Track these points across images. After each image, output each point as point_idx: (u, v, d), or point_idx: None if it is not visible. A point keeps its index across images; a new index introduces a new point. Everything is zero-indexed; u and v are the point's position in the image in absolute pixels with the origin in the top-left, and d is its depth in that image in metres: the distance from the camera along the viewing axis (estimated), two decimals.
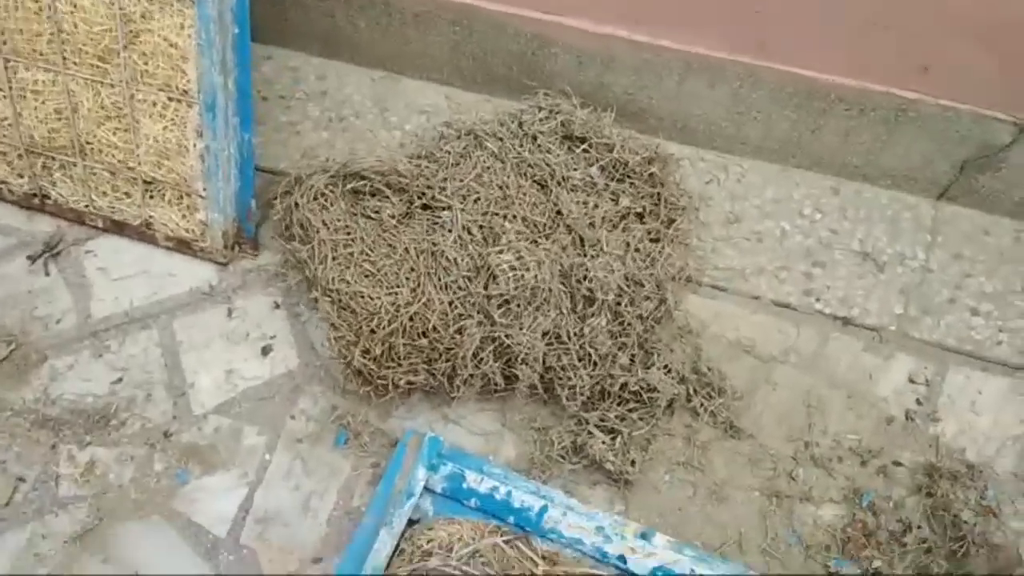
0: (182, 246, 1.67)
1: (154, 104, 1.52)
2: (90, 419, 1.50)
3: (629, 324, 1.42)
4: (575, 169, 1.55)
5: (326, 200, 1.45)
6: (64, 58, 1.53)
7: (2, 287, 1.65)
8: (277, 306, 1.64)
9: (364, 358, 1.35)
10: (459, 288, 1.40)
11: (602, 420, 1.41)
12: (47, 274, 1.66)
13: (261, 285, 1.67)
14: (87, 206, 1.69)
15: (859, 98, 1.67)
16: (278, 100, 1.89)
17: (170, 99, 1.51)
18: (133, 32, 1.46)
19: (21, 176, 1.70)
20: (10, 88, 1.56)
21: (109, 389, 1.53)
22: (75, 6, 1.46)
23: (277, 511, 1.41)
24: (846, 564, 1.38)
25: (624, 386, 1.40)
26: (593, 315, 1.40)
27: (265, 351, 1.58)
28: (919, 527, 1.41)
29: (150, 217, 1.65)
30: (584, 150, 1.58)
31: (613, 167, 1.59)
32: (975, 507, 1.41)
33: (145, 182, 1.62)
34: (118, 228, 1.70)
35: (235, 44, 1.43)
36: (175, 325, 1.62)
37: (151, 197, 1.65)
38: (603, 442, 1.39)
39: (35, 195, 1.71)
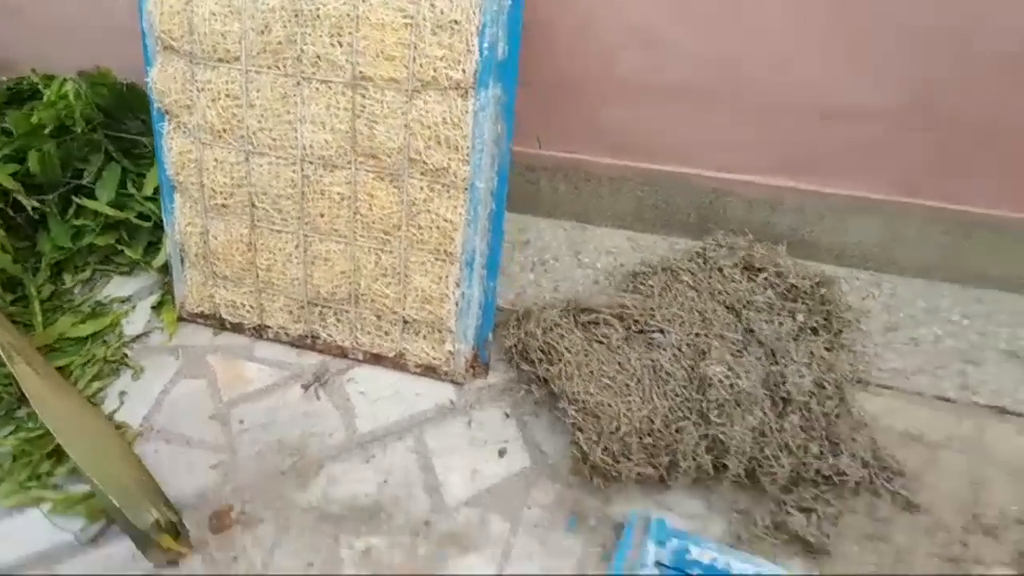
0: (429, 371, 2.10)
1: (423, 263, 1.95)
2: (363, 514, 1.84)
3: (817, 420, 1.78)
4: (757, 294, 2.00)
5: (561, 330, 1.91)
6: (355, 232, 1.97)
7: (284, 411, 2.06)
8: (507, 416, 2.01)
9: (604, 455, 1.76)
10: (676, 395, 1.81)
11: (798, 501, 1.75)
12: (318, 399, 2.10)
13: (492, 400, 2.06)
14: (351, 343, 2.14)
15: (1000, 224, 2.05)
16: None
17: (437, 259, 1.94)
18: (415, 212, 1.89)
19: (298, 322, 2.16)
20: (304, 255, 2.05)
21: (377, 489, 1.89)
22: (372, 196, 1.89)
23: None
24: None
25: (817, 472, 1.74)
26: (789, 413, 1.78)
27: (501, 453, 1.94)
28: None
29: (404, 349, 2.10)
30: (765, 278, 2.02)
31: (787, 290, 2.03)
32: None
33: (405, 322, 2.07)
34: (375, 360, 2.14)
35: (492, 216, 1.89)
36: (426, 436, 1.99)
37: (407, 333, 2.09)
38: (803, 520, 1.72)
39: (307, 336, 2.18)
